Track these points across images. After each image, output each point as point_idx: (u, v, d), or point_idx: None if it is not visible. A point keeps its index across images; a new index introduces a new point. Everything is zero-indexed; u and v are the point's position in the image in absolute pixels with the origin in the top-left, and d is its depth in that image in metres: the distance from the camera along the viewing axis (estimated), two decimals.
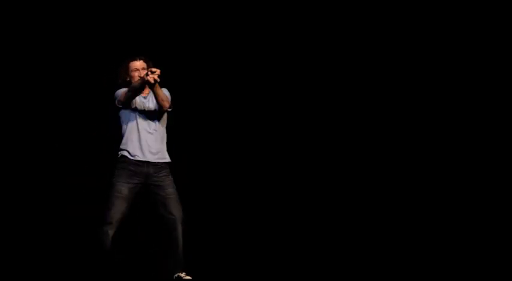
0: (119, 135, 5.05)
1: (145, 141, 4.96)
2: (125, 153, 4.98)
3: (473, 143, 6.40)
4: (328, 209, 6.58)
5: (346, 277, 5.93)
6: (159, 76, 4.74)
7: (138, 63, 5.07)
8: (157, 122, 5.02)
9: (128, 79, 5.05)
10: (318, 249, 6.42)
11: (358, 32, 6.62)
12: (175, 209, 4.91)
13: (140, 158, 4.94)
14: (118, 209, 4.88)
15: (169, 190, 4.96)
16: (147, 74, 4.74)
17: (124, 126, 5.02)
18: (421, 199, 6.45)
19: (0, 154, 6.16)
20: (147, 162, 4.94)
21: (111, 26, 6.38)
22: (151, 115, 5.00)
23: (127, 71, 5.06)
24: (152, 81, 4.74)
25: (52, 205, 6.23)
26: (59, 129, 6.31)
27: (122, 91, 5.00)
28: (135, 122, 4.98)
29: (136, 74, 5.02)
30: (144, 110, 4.99)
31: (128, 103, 4.94)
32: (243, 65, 6.59)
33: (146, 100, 5.03)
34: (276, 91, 6.68)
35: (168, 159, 5.05)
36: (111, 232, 4.90)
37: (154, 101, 5.00)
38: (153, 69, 4.75)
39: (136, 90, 4.88)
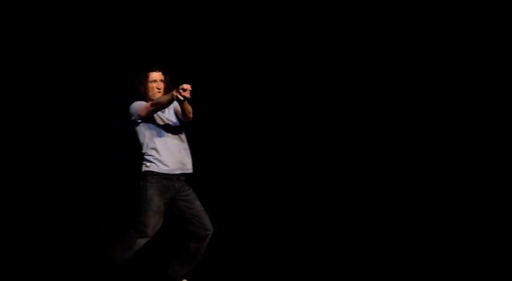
0: (140, 148, 4.87)
1: (174, 153, 4.84)
2: (154, 167, 4.81)
3: (473, 143, 6.40)
4: (329, 210, 6.58)
5: (346, 277, 5.94)
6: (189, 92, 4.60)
7: (157, 74, 4.94)
8: (181, 133, 4.91)
9: (143, 90, 4.92)
10: (319, 249, 6.42)
11: (358, 32, 6.63)
12: (208, 222, 4.85)
13: (170, 171, 4.81)
14: (156, 225, 4.76)
15: (198, 202, 4.89)
16: (178, 92, 4.56)
17: (147, 139, 4.85)
18: (421, 199, 6.45)
19: (1, 154, 6.15)
20: (177, 175, 4.83)
21: (111, 27, 6.38)
22: (174, 126, 4.89)
23: (143, 81, 4.93)
24: (182, 99, 4.58)
25: (52, 205, 6.23)
26: (59, 129, 6.31)
27: (139, 105, 4.83)
28: (160, 134, 4.84)
29: (154, 85, 4.91)
30: (167, 122, 4.87)
31: (149, 118, 4.81)
32: (245, 66, 6.59)
33: (167, 112, 4.91)
34: (277, 92, 6.68)
35: (191, 170, 4.96)
36: (142, 244, 4.77)
37: (171, 111, 4.92)
38: (184, 87, 4.58)
39: (163, 106, 4.75)
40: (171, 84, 4.98)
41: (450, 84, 6.49)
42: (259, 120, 6.62)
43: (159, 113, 4.87)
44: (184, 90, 4.59)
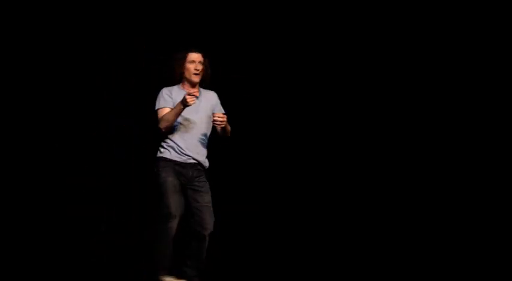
0: (157, 134, 4.88)
1: (189, 143, 4.82)
2: (166, 154, 4.82)
3: (473, 143, 6.40)
4: (329, 210, 6.58)
5: (346, 277, 5.94)
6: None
7: (197, 55, 4.87)
8: (202, 127, 4.88)
9: (180, 71, 4.87)
10: (319, 249, 6.42)
11: (358, 32, 6.62)
12: (208, 222, 4.78)
13: (182, 159, 4.80)
14: (178, 204, 4.72)
15: (207, 197, 4.85)
16: (186, 99, 4.62)
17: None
18: (421, 199, 6.45)
19: (1, 154, 6.14)
20: (190, 163, 4.81)
21: (112, 27, 6.37)
22: (197, 120, 4.86)
23: (183, 62, 4.86)
24: (191, 104, 4.61)
25: (52, 205, 6.22)
26: (59, 129, 6.30)
27: (161, 111, 4.80)
28: (179, 126, 4.82)
29: (192, 66, 4.85)
30: (188, 117, 4.84)
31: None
32: (245, 66, 6.58)
33: (199, 101, 4.85)
34: (277, 92, 6.68)
35: (207, 164, 4.95)
36: (175, 226, 4.70)
37: (202, 103, 4.89)
38: (191, 92, 4.63)
39: (174, 120, 4.74)
40: (209, 69, 4.96)
41: (450, 84, 6.49)
42: (259, 120, 6.62)
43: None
44: (190, 95, 4.62)
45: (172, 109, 4.78)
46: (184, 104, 4.67)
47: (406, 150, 6.54)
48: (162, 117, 4.79)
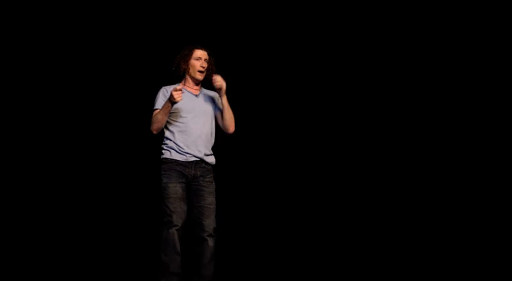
0: (162, 133, 4.87)
1: (189, 141, 4.77)
2: (167, 154, 4.79)
3: (473, 143, 6.40)
4: (329, 210, 6.58)
5: (346, 277, 5.94)
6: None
7: (203, 52, 4.83)
8: (204, 123, 4.85)
9: (185, 68, 4.82)
10: (319, 249, 6.42)
11: (358, 32, 6.62)
12: (208, 224, 4.74)
13: (183, 158, 4.76)
14: (179, 210, 4.67)
15: (210, 199, 4.80)
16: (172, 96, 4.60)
17: (166, 125, 4.81)
18: (421, 199, 6.45)
19: (0, 154, 6.15)
20: (193, 162, 4.78)
21: (111, 27, 6.37)
22: (198, 116, 4.83)
23: (188, 58, 4.80)
24: (178, 100, 4.56)
25: (52, 205, 6.23)
26: (59, 129, 6.30)
27: (156, 108, 4.77)
28: (179, 123, 4.79)
29: (198, 63, 4.80)
30: (188, 115, 4.81)
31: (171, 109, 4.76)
32: (245, 65, 6.58)
33: (197, 99, 4.86)
34: (276, 92, 6.67)
35: (213, 161, 4.91)
36: (177, 233, 4.67)
37: (201, 101, 4.86)
38: (178, 88, 4.57)
39: (163, 120, 4.72)
40: (214, 68, 4.91)
41: (450, 84, 6.49)
42: (259, 120, 6.62)
43: (183, 104, 4.76)
44: (176, 90, 4.59)
45: (161, 109, 4.74)
46: (171, 101, 4.62)
47: (405, 150, 6.55)
48: (152, 119, 4.77)
